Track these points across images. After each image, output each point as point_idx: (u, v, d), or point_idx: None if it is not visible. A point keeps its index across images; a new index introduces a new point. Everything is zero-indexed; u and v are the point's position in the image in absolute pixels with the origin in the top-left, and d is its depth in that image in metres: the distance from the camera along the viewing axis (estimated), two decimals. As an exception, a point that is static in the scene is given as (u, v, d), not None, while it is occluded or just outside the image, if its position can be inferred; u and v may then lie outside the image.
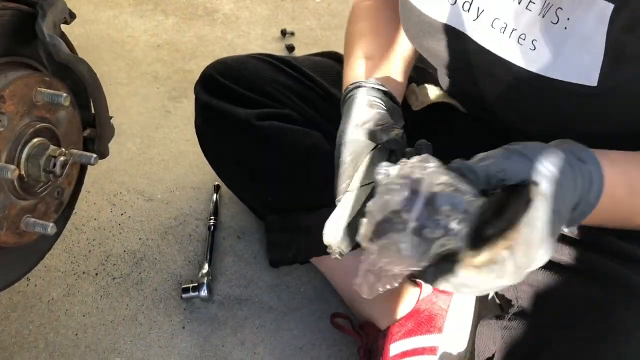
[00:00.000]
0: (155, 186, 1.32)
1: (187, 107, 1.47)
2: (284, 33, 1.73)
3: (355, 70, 0.91)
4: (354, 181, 0.72)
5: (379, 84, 0.81)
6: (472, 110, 0.97)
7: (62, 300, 1.11)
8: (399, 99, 0.87)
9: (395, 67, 0.92)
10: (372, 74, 0.88)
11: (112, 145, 1.38)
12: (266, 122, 1.02)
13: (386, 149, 0.74)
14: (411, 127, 0.82)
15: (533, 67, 0.75)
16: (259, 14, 1.81)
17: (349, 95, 0.81)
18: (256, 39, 1.72)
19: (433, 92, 1.00)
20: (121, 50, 1.65)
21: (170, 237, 1.23)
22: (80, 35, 1.68)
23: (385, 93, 0.81)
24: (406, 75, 0.94)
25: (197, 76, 1.12)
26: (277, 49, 1.68)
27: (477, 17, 0.78)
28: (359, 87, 0.81)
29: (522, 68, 0.76)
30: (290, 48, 1.68)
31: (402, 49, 0.94)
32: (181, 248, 1.21)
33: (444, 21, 0.81)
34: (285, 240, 1.09)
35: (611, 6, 0.68)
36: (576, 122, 0.76)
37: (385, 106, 0.79)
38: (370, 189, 0.70)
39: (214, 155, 1.15)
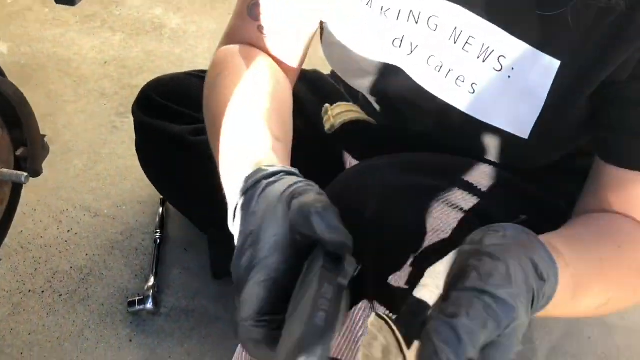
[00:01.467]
0: (102, 202, 1.33)
1: (134, 123, 1.49)
2: (231, 46, 1.75)
3: (253, 146, 0.65)
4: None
5: (296, 171, 0.59)
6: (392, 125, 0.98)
7: (7, 319, 1.11)
8: None
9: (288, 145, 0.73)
10: (276, 154, 0.64)
11: (58, 163, 1.41)
12: (201, 137, 1.03)
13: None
14: (321, 149, 0.82)
15: (469, 110, 0.74)
16: (205, 29, 1.83)
17: (267, 184, 0.56)
18: (203, 53, 1.74)
19: (346, 111, 1.01)
20: (68, 68, 1.66)
21: (116, 252, 1.24)
22: (26, 54, 1.68)
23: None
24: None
25: (145, 91, 1.14)
26: (224, 62, 1.71)
27: (412, 52, 0.75)
28: (282, 174, 0.57)
29: (456, 109, 0.75)
30: (237, 61, 1.70)
31: (289, 120, 0.77)
32: (128, 262, 1.22)
33: (373, 58, 0.78)
34: (228, 252, 1.10)
35: (557, 63, 0.68)
36: (503, 159, 0.79)
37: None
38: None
39: (153, 173, 1.17)
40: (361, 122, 1.00)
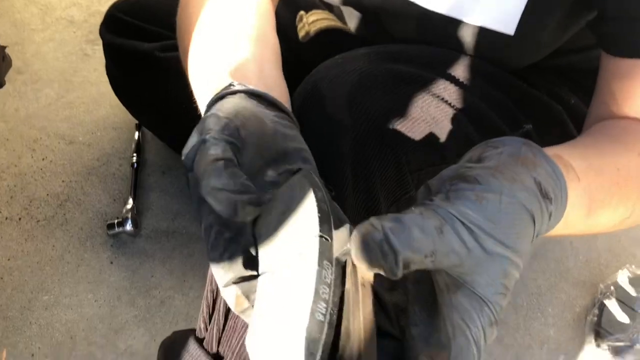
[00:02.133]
0: (77, 129, 1.30)
1: (106, 49, 1.44)
2: (202, -31, 1.69)
3: (230, 70, 0.62)
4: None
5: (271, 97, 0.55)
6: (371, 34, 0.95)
7: (-16, 246, 1.10)
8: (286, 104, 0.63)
9: (278, 68, 0.69)
10: (258, 80, 0.61)
11: (29, 92, 1.37)
12: (170, 54, 1.00)
13: None
14: (296, 59, 0.79)
15: (450, 12, 0.71)
16: (176, -48, 1.76)
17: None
18: (175, -22, 1.68)
19: (322, 18, 0.98)
20: (34, -4, 1.59)
21: (93, 178, 1.22)
22: (-11, -17, 1.61)
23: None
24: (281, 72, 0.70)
25: (115, 18, 1.10)
26: (196, -14, 1.65)
27: None
28: (250, 93, 0.53)
29: (436, 12, 0.72)
30: (210, -16, 1.64)
31: (275, 41, 0.73)
32: (105, 187, 1.20)
33: None
34: None
35: None
36: (488, 58, 0.76)
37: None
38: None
39: (125, 95, 1.14)
40: (337, 30, 0.97)
